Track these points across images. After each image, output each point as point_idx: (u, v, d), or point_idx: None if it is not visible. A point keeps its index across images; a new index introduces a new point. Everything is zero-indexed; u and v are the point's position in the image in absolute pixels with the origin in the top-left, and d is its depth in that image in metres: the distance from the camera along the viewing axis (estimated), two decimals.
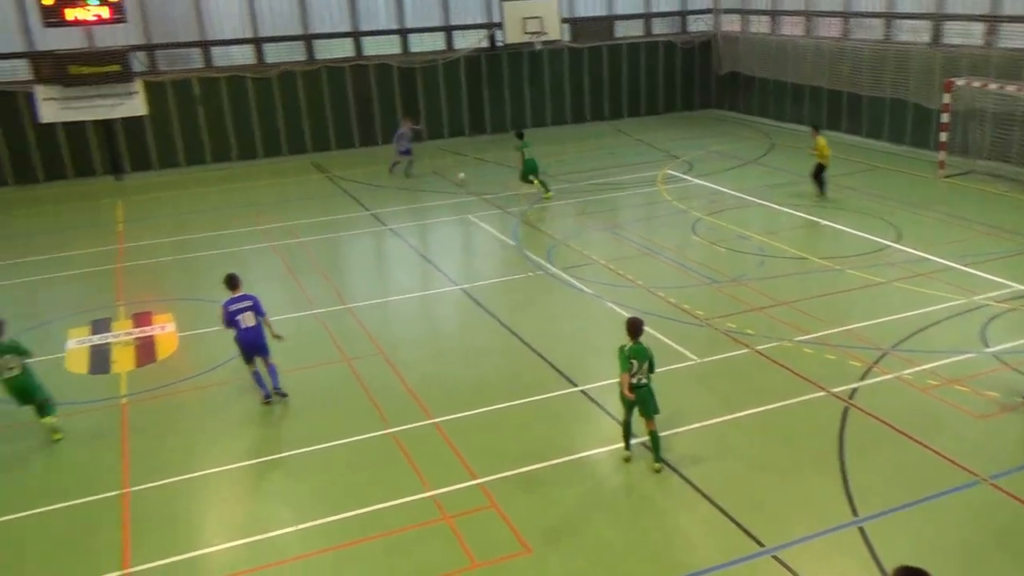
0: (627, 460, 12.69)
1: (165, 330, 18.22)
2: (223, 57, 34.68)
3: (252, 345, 14.95)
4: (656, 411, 12.34)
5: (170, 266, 23.01)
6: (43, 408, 14.19)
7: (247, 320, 14.80)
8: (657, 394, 12.36)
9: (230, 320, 14.80)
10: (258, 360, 15.15)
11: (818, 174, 26.08)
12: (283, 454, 13.55)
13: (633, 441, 12.78)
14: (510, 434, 13.71)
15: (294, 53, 35.54)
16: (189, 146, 34.53)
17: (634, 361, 12.04)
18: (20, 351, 13.94)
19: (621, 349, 12.13)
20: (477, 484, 12.28)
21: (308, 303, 19.61)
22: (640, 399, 12.19)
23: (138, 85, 32.87)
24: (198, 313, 19.14)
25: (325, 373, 16.23)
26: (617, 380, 12.48)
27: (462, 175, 30.24)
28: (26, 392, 14.05)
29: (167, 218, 28.07)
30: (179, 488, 12.69)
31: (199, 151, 34.68)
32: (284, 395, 15.20)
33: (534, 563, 10.64)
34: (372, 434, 13.85)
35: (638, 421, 12.53)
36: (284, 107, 35.37)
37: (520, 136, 28.05)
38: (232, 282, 15.12)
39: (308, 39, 35.51)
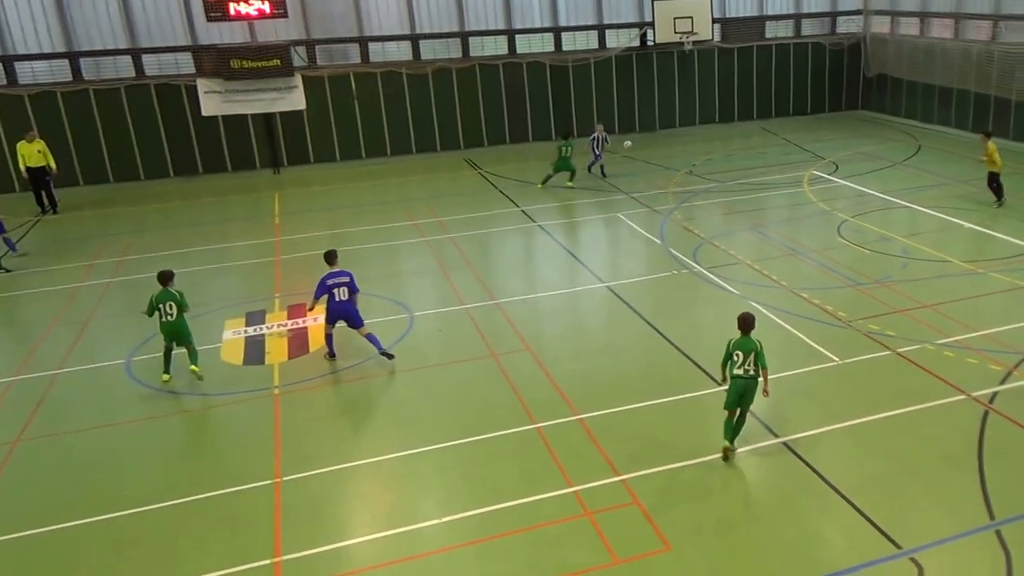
0: (726, 456, 12.96)
1: (318, 322, 18.00)
2: (379, 53, 35.55)
3: (344, 315, 16.51)
4: (751, 403, 12.91)
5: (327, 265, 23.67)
6: (192, 354, 16.18)
7: (341, 294, 16.35)
8: (798, 394, 12.74)
9: (326, 291, 16.37)
10: (356, 332, 16.73)
11: (992, 182, 25.45)
12: (429, 447, 13.68)
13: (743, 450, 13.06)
14: (653, 432, 13.83)
15: (450, 50, 36.29)
16: (344, 141, 35.41)
17: (739, 353, 12.68)
18: (179, 302, 15.90)
19: (728, 342, 12.85)
20: (620, 480, 12.42)
21: (457, 298, 20.00)
22: (748, 389, 12.75)
23: (298, 79, 33.72)
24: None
25: (473, 367, 16.58)
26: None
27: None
28: (178, 334, 16.05)
29: (323, 211, 28.86)
30: (328, 479, 12.98)
31: (354, 146, 35.56)
32: (391, 356, 16.62)
33: (675, 560, 10.79)
34: (517, 429, 14.05)
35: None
36: (438, 103, 36.05)
37: (566, 138, 29.71)
38: (330, 258, 16.71)
39: (464, 36, 36.21)
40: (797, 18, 41.18)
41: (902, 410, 14.17)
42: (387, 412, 15.38)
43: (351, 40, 35.21)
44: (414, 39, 35.77)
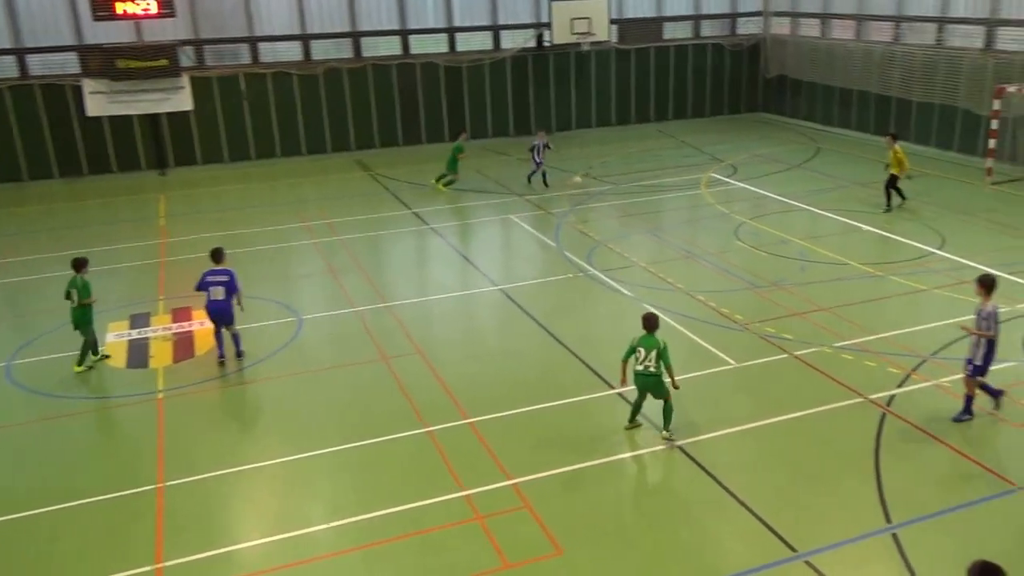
0: (628, 428, 13.68)
1: (204, 325, 18.06)
2: (270, 53, 34.89)
3: (216, 314, 16.53)
4: (666, 395, 13.25)
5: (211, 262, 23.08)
6: (84, 351, 16.61)
7: (216, 294, 16.35)
8: (694, 397, 12.86)
9: (201, 287, 16.51)
10: (224, 329, 16.76)
11: (891, 184, 25.24)
12: (318, 451, 13.51)
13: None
14: (545, 435, 13.72)
15: (341, 50, 35.71)
16: (233, 142, 34.76)
17: (641, 349, 13.12)
18: (84, 291, 16.33)
19: (632, 340, 13.30)
20: (511, 484, 12.31)
21: (348, 301, 19.71)
22: (649, 385, 13.25)
23: (185, 80, 33.13)
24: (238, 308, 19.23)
25: (363, 371, 16.32)
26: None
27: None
28: (76, 322, 16.47)
29: (210, 213, 28.36)
30: (213, 484, 12.77)
31: (243, 147, 34.90)
32: (241, 356, 16.88)
33: (565, 564, 10.66)
34: (408, 433, 13.89)
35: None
36: (329, 104, 35.55)
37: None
38: (215, 255, 16.68)
39: (356, 36, 35.66)
40: (696, 19, 41.25)
41: (799, 413, 14.08)
42: (275, 416, 15.05)
43: (241, 40, 34.50)
44: (305, 39, 35.14)
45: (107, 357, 17.14)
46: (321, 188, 31.40)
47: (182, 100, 33.36)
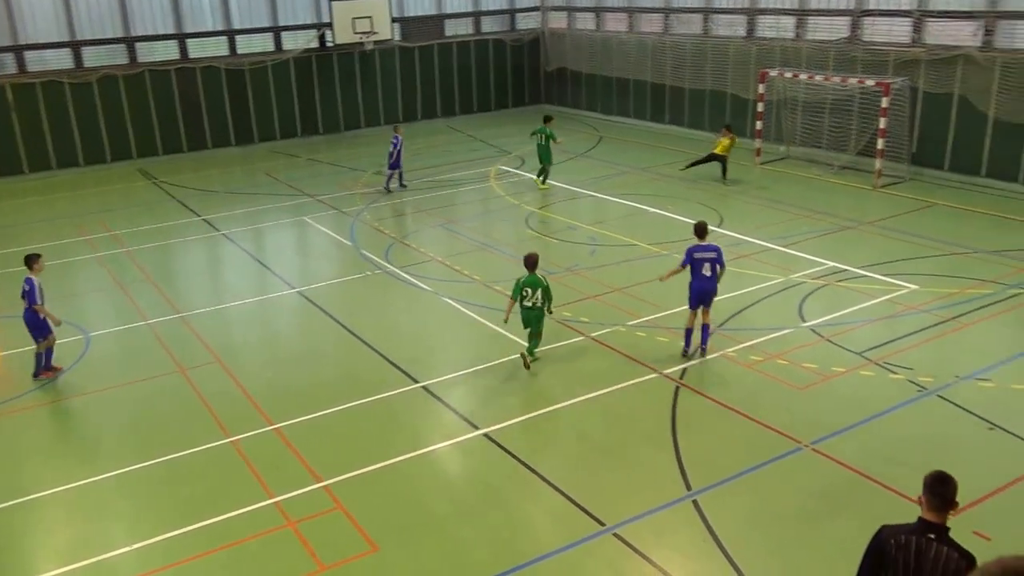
0: (529, 363, 15.26)
1: None
2: (38, 62, 33.11)
3: (26, 326, 15.90)
4: (542, 329, 15.31)
5: None
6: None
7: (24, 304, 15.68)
8: (496, 384, 13.36)
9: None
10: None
11: (721, 161, 27.48)
12: (115, 472, 12.90)
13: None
14: (353, 434, 13.66)
15: (116, 57, 34.25)
16: (3, 156, 32.70)
17: (527, 289, 14.94)
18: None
19: (517, 280, 15.06)
20: (322, 487, 12.18)
21: (139, 314, 18.99)
22: (533, 319, 15.14)
23: None
24: (12, 331, 17.84)
25: (159, 385, 15.72)
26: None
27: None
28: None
29: None
30: (2, 518, 12.02)
31: (14, 161, 32.87)
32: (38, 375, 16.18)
33: (382, 561, 10.63)
34: (210, 444, 13.49)
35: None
36: (106, 112, 34.00)
37: (546, 121, 28.29)
38: (29, 261, 15.98)
39: (130, 42, 34.34)
40: (477, 16, 41.75)
41: (599, 392, 14.49)
42: (66, 439, 14.51)
43: (4, 49, 32.52)
44: (74, 45, 33.54)
45: None
46: (103, 199, 29.99)
47: None
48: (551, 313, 15.38)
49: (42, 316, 15.82)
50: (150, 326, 18.33)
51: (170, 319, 18.70)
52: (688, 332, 15.51)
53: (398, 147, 27.85)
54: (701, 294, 15.18)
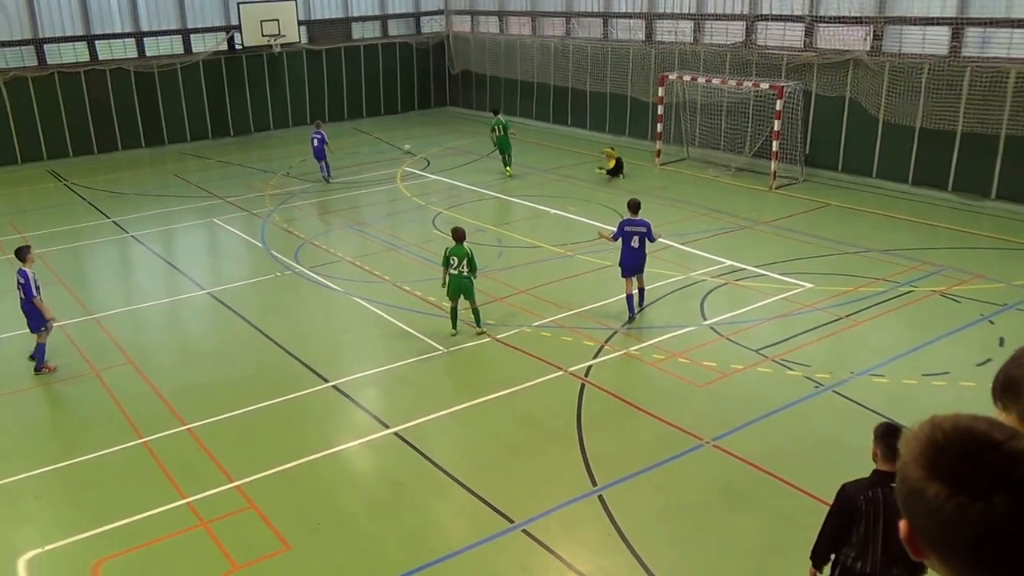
0: (453, 335, 16.75)
1: None
2: None
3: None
4: (474, 298, 16.66)
5: None
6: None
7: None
8: (406, 384, 13.60)
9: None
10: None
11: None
12: (23, 475, 12.72)
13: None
14: (265, 434, 13.71)
15: (24, 59, 33.67)
16: None
17: (454, 258, 16.29)
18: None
19: (446, 249, 16.52)
20: (234, 487, 12.18)
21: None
22: (462, 287, 16.41)
23: None
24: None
25: (71, 387, 15.67)
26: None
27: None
28: None
29: None
30: None
31: None
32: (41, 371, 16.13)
33: (294, 559, 10.67)
34: (123, 446, 13.40)
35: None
36: (15, 113, 33.38)
37: (495, 113, 30.31)
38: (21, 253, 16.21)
39: (38, 43, 33.78)
40: (383, 19, 41.89)
41: (506, 391, 14.73)
42: None
43: None
44: None
45: None
46: (13, 201, 29.51)
47: None
48: (475, 278, 16.56)
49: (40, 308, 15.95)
50: (62, 328, 17.94)
51: (82, 321, 18.57)
52: (630, 298, 17.10)
53: (322, 141, 29.17)
54: (631, 264, 16.88)
